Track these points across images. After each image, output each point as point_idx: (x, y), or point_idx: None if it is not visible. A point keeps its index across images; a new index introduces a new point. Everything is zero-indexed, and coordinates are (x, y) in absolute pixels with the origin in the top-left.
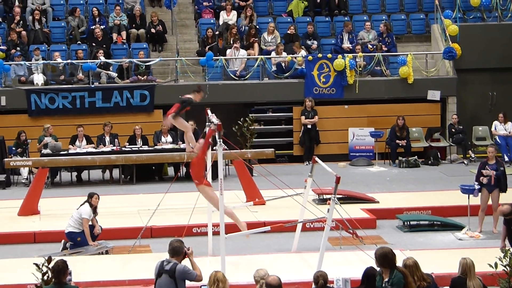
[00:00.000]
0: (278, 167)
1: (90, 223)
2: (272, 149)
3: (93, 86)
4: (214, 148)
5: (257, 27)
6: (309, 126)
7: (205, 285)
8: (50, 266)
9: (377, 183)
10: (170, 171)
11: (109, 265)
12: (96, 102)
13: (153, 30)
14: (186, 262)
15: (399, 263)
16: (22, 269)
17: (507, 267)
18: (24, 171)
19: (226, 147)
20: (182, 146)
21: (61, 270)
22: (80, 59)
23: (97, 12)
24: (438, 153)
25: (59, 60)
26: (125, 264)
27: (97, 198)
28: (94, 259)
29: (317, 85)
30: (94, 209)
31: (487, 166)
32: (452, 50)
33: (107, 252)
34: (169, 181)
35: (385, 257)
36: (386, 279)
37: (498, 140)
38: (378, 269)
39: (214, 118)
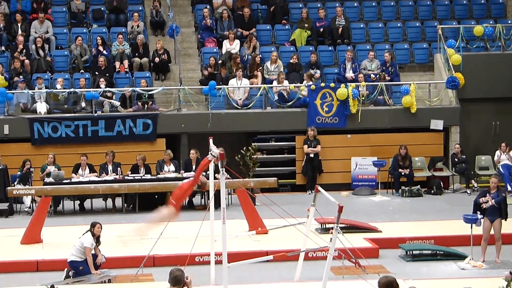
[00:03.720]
0: (281, 196)
1: (93, 252)
2: (275, 178)
3: (96, 115)
4: (217, 177)
5: (260, 56)
6: (312, 155)
7: None
8: None
9: (380, 212)
10: None
11: None
12: (99, 131)
13: (157, 59)
14: None
15: None
16: None
17: None
18: (27, 200)
19: (228, 176)
20: (184, 175)
21: None
22: (83, 87)
23: (101, 40)
24: (441, 183)
25: (59, 86)
26: None
27: (100, 227)
28: None
29: (320, 114)
30: (97, 239)
31: (487, 194)
32: (455, 79)
33: (109, 281)
34: None
35: (390, 286)
36: None
37: (501, 169)
38: None
39: (214, 149)
